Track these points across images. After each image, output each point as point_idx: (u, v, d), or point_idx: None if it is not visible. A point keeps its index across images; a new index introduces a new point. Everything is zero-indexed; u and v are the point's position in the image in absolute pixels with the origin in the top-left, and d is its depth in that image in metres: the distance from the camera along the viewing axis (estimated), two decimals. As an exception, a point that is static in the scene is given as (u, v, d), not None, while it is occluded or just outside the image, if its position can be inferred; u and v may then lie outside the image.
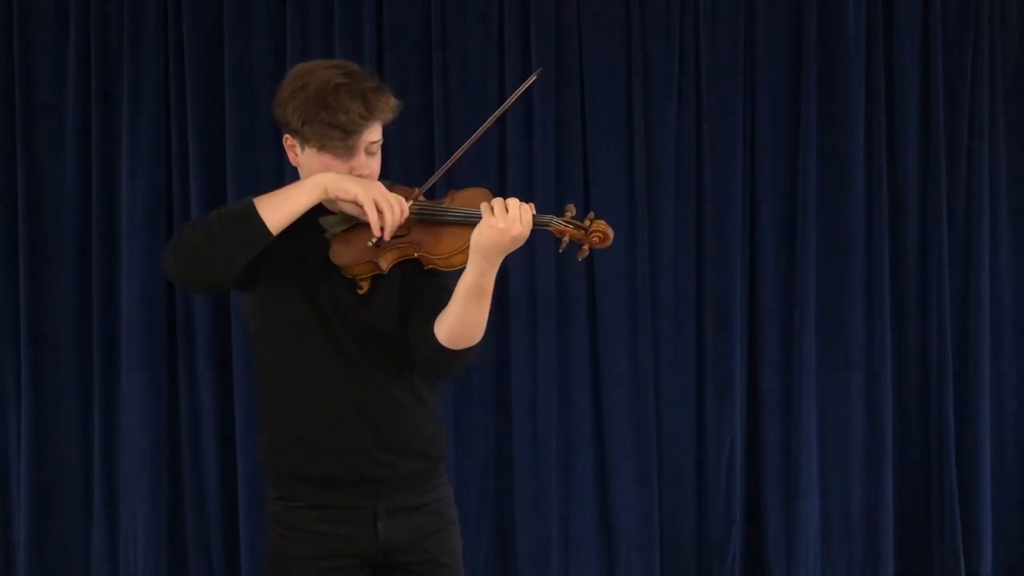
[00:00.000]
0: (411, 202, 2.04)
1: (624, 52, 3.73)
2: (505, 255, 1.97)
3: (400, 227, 2.01)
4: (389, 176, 2.13)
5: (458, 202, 2.06)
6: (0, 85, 3.68)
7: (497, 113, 2.12)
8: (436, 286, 2.08)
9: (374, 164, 2.05)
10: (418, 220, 2.03)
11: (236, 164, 3.64)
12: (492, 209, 1.94)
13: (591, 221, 2.02)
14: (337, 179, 1.98)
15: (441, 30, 3.66)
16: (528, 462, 3.70)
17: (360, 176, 2.02)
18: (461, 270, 1.99)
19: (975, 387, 3.83)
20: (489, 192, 2.05)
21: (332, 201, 2.03)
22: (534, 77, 2.14)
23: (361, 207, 1.96)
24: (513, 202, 1.95)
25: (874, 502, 3.81)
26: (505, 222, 1.92)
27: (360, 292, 2.04)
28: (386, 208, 1.96)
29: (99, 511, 3.69)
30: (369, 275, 2.03)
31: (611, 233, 2.02)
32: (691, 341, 3.77)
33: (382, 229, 1.96)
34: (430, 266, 2.04)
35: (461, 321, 1.99)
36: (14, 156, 3.68)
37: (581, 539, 3.76)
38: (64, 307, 3.69)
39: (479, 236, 1.93)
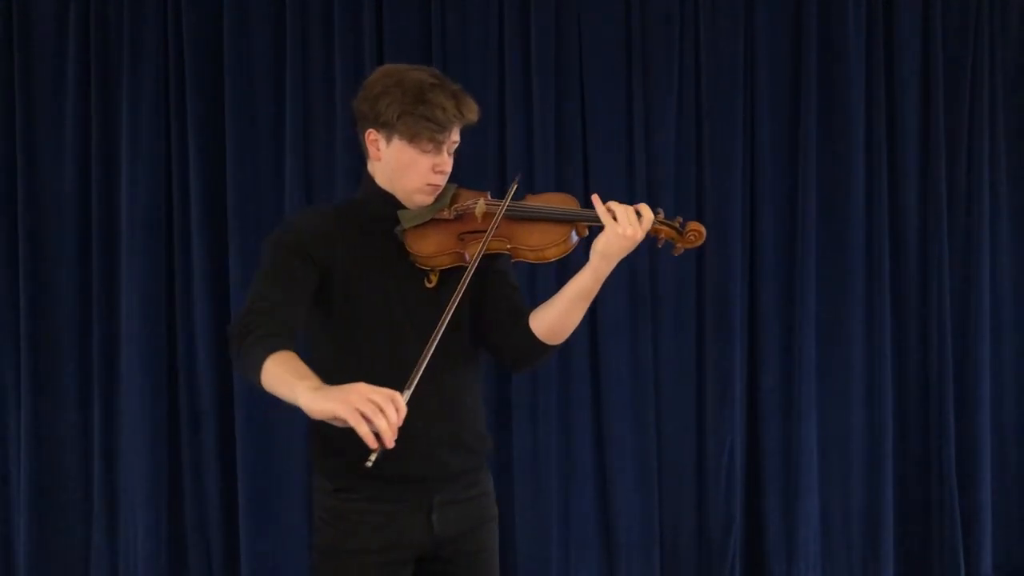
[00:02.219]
0: (486, 202, 2.10)
1: (624, 52, 3.73)
2: None
3: (484, 220, 2.08)
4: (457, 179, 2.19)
5: (544, 202, 2.15)
6: (0, 85, 3.68)
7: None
8: (504, 283, 2.19)
9: (450, 164, 2.13)
10: (508, 217, 2.10)
11: (236, 164, 3.65)
12: (614, 215, 2.03)
13: (681, 223, 2.13)
14: (312, 400, 1.81)
15: (441, 30, 3.66)
16: (528, 462, 3.70)
17: (441, 172, 2.10)
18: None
19: (975, 387, 3.83)
20: (575, 198, 2.15)
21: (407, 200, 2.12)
22: (515, 185, 2.16)
23: (345, 422, 1.78)
24: (641, 207, 2.05)
25: (874, 502, 3.81)
26: (633, 228, 2.02)
27: (429, 286, 2.10)
28: (373, 414, 1.75)
29: (99, 511, 3.70)
30: (449, 267, 2.10)
31: (704, 231, 2.12)
32: (691, 341, 3.77)
33: (379, 438, 1.76)
34: (520, 259, 2.12)
35: (565, 320, 2.12)
36: (14, 156, 3.68)
37: (581, 539, 3.76)
38: (64, 307, 3.70)
39: (608, 245, 2.03)
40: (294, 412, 3.86)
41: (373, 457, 1.78)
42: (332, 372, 2.06)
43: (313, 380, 1.85)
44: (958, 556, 3.79)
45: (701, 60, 3.74)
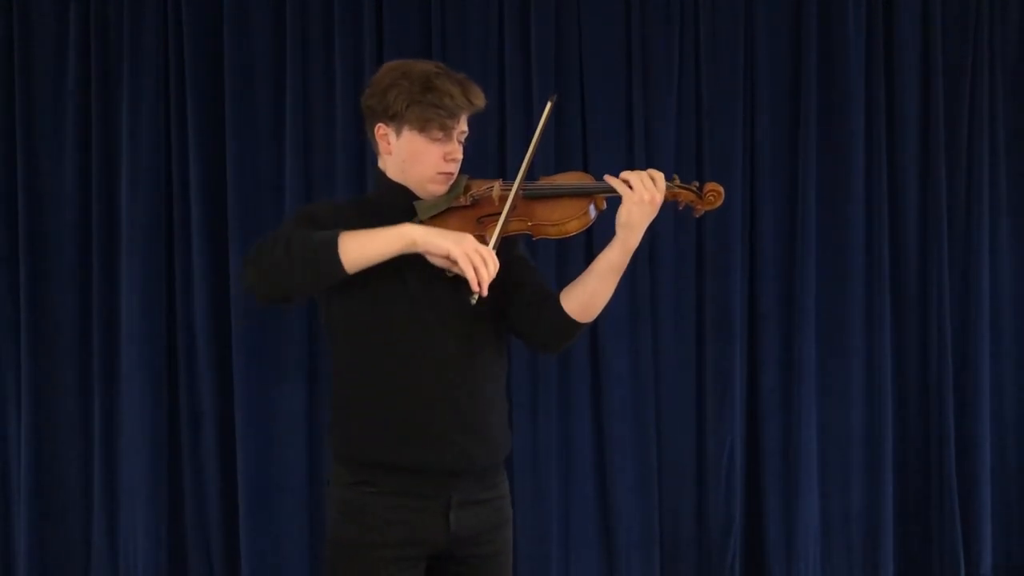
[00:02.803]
0: (498, 188, 2.13)
1: (624, 52, 3.73)
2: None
3: (501, 202, 2.10)
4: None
5: (560, 180, 2.18)
6: (0, 85, 3.68)
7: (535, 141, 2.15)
8: (526, 266, 2.22)
9: (460, 153, 2.15)
10: (526, 196, 2.13)
11: (236, 164, 3.65)
12: (630, 184, 2.06)
13: (698, 186, 2.15)
14: (427, 233, 1.99)
15: (441, 30, 3.66)
16: (528, 462, 3.70)
17: (453, 160, 2.12)
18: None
19: (975, 387, 3.83)
20: (589, 174, 2.17)
21: (424, 200, 2.14)
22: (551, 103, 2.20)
23: (455, 263, 1.97)
24: (652, 172, 2.08)
25: (874, 502, 3.81)
26: (650, 193, 2.05)
27: (449, 275, 2.09)
28: (479, 263, 1.96)
29: (99, 511, 3.69)
30: None
31: (723, 191, 2.15)
32: (691, 341, 3.77)
33: (480, 284, 1.96)
34: (541, 235, 2.15)
35: (596, 295, 2.13)
36: (14, 156, 3.68)
37: (581, 539, 3.76)
38: (64, 308, 3.70)
39: (630, 214, 2.05)
40: (294, 411, 3.86)
41: (475, 298, 1.97)
42: (355, 369, 2.13)
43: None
44: (958, 556, 3.78)
45: (701, 60, 3.74)
